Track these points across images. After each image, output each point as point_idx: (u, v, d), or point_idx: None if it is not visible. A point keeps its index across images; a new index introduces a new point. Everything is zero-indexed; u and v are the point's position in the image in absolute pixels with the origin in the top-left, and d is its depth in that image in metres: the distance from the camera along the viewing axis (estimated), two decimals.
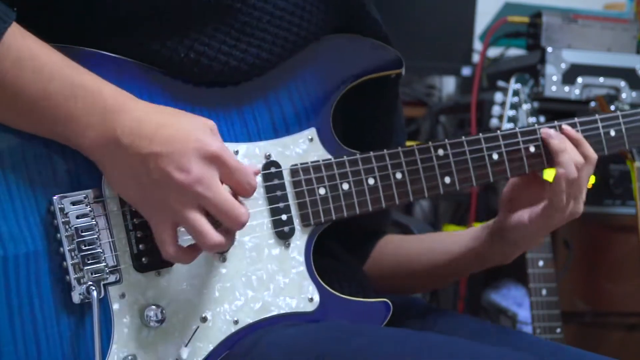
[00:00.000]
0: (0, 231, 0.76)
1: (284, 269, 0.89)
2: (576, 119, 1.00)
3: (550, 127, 0.99)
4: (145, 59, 0.84)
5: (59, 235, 0.78)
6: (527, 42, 1.96)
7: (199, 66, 0.84)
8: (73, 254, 0.78)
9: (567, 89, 1.87)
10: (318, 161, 0.90)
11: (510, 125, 1.70)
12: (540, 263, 1.68)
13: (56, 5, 0.83)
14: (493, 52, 2.11)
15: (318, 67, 0.92)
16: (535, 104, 1.73)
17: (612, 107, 1.73)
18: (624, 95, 1.90)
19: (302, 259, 0.90)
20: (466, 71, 2.08)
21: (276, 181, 0.88)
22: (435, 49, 2.06)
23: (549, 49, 1.86)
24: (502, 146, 0.97)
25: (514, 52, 2.11)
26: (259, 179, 0.87)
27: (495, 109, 1.73)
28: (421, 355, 0.76)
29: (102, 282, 0.79)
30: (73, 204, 0.78)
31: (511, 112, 1.71)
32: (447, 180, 0.95)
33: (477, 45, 2.11)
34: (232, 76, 0.86)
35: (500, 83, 1.75)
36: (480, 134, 0.97)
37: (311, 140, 0.91)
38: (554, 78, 1.86)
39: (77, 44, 0.81)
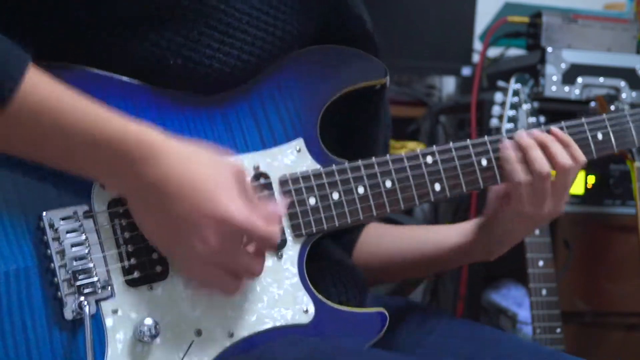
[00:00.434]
0: None
1: (277, 280, 0.89)
2: (563, 123, 1.00)
3: (540, 130, 0.99)
4: (135, 66, 0.84)
5: (49, 251, 0.78)
6: (527, 42, 1.95)
7: (185, 71, 0.85)
8: (64, 270, 0.78)
9: (567, 89, 1.87)
10: (307, 171, 0.90)
11: (511, 125, 1.70)
12: (540, 263, 1.68)
13: (47, 15, 0.83)
14: (493, 52, 2.10)
15: (303, 78, 0.92)
16: (535, 104, 1.73)
17: (612, 107, 1.72)
18: (624, 95, 1.89)
19: (295, 269, 0.90)
20: (466, 71, 2.07)
21: (266, 192, 0.89)
22: (435, 49, 2.05)
23: (549, 49, 1.85)
24: (491, 151, 0.97)
25: (514, 52, 2.10)
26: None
27: (495, 109, 1.73)
28: None
29: (94, 298, 0.79)
30: (63, 219, 0.79)
31: (511, 112, 1.71)
32: (437, 187, 0.95)
33: (477, 45, 2.10)
34: (216, 79, 0.87)
35: (500, 83, 1.74)
36: (469, 140, 0.97)
37: (299, 150, 0.91)
38: (554, 78, 1.86)
39: (64, 54, 0.81)
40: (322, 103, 0.93)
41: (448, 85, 2.32)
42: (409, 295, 2.00)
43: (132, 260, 0.81)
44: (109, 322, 0.80)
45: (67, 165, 0.78)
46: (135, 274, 0.82)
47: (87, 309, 0.78)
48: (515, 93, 1.72)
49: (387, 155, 0.93)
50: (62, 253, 0.78)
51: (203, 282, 0.81)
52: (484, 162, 0.97)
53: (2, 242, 0.76)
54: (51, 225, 0.78)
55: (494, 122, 1.74)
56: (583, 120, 1.03)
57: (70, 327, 0.79)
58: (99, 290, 0.80)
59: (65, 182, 0.80)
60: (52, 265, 0.78)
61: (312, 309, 0.90)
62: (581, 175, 1.05)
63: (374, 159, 0.92)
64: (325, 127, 0.95)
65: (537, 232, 1.68)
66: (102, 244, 0.81)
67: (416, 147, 1.86)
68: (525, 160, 0.96)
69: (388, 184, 0.93)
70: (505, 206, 1.00)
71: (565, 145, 0.98)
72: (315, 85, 0.93)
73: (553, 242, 1.72)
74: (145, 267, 0.82)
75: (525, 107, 1.72)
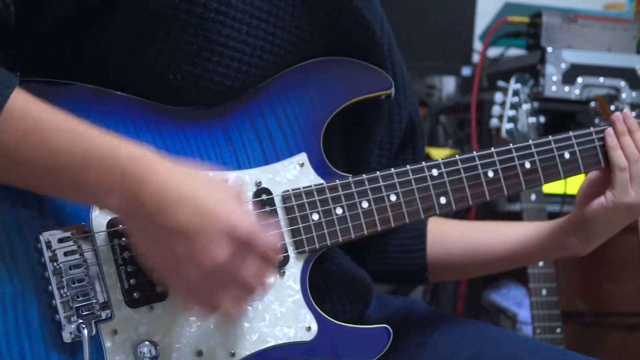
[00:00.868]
0: None
1: (279, 298, 0.87)
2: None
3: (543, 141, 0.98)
4: (134, 82, 0.82)
5: (46, 273, 0.77)
6: (527, 42, 1.95)
7: (185, 85, 0.83)
8: (62, 291, 0.77)
9: (567, 89, 1.86)
10: (310, 186, 0.89)
11: (511, 125, 1.69)
12: (540, 263, 1.68)
13: (43, 35, 0.81)
14: (493, 52, 2.09)
15: (306, 91, 0.91)
16: (535, 104, 1.72)
17: (612, 107, 1.72)
18: (624, 95, 1.89)
19: (298, 287, 0.88)
20: (466, 71, 2.06)
21: (268, 208, 0.87)
22: (435, 49, 2.05)
23: (549, 49, 1.85)
24: (497, 163, 0.96)
25: (514, 52, 2.09)
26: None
27: (495, 109, 1.73)
28: None
29: (93, 320, 0.78)
30: (60, 240, 0.77)
31: (511, 112, 1.70)
32: (443, 200, 0.94)
33: (477, 45, 2.10)
34: (217, 92, 0.85)
35: (500, 83, 1.74)
36: (475, 152, 0.96)
37: (302, 165, 0.90)
38: (554, 78, 1.85)
39: (62, 70, 0.79)
40: (325, 116, 0.92)
41: (448, 85, 2.32)
42: (409, 294, 2.00)
43: (132, 281, 0.80)
44: (108, 343, 0.79)
45: (56, 189, 0.75)
46: (135, 295, 0.80)
47: (85, 332, 0.76)
48: (515, 93, 1.71)
49: (392, 169, 0.92)
50: (59, 275, 0.77)
51: (206, 305, 0.78)
52: (491, 174, 0.95)
53: None
54: (48, 247, 0.77)
55: (494, 122, 1.73)
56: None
57: (68, 350, 0.77)
58: (98, 312, 0.78)
59: (63, 202, 0.78)
60: (50, 287, 0.77)
61: (314, 327, 0.88)
62: (581, 176, 1.03)
63: (378, 173, 0.91)
64: (329, 140, 0.93)
65: None
66: (101, 264, 0.79)
67: None
68: (622, 145, 0.98)
69: (393, 197, 0.91)
70: (605, 199, 0.98)
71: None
72: (318, 98, 0.91)
73: None
74: (145, 287, 0.80)
75: (525, 107, 1.71)
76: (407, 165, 0.93)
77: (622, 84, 1.89)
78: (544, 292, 1.68)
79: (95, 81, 0.80)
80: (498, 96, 1.73)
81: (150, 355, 0.80)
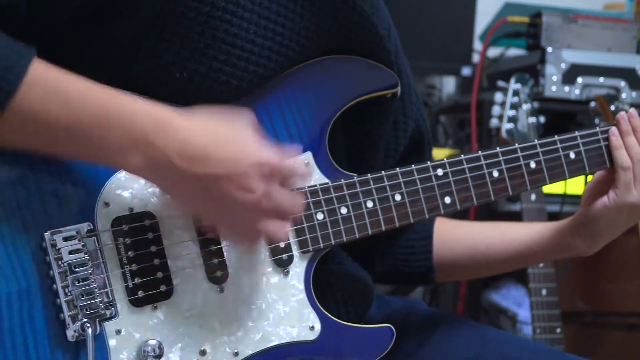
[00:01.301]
0: None
1: (283, 298, 0.87)
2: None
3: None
4: (141, 80, 0.82)
5: (51, 272, 0.76)
6: (527, 42, 1.95)
7: (191, 84, 0.83)
8: (66, 290, 0.76)
9: (567, 89, 1.86)
10: (315, 186, 0.88)
11: (511, 125, 1.69)
12: (541, 263, 1.68)
13: (49, 33, 0.81)
14: (493, 52, 2.09)
15: (311, 90, 0.90)
16: (535, 104, 1.72)
17: (612, 107, 1.72)
18: (624, 95, 1.89)
19: (301, 286, 0.88)
20: (466, 71, 2.07)
21: None
22: (435, 49, 2.05)
23: (549, 49, 1.85)
24: (502, 163, 0.96)
25: (514, 52, 2.09)
26: None
27: (495, 109, 1.73)
28: None
29: (97, 318, 0.78)
30: (65, 239, 0.77)
31: (511, 112, 1.70)
32: (448, 200, 0.94)
33: (477, 45, 2.10)
34: (223, 92, 0.85)
35: (500, 83, 1.73)
36: (480, 152, 0.95)
37: (307, 164, 0.90)
38: (554, 78, 1.85)
39: (70, 69, 0.78)
40: (331, 114, 0.91)
41: (448, 85, 2.32)
42: (409, 295, 2.00)
43: (137, 280, 0.80)
44: (112, 342, 0.79)
45: (80, 150, 0.76)
46: (140, 294, 0.80)
47: (89, 330, 0.76)
48: (515, 93, 1.71)
49: (397, 169, 0.91)
50: (64, 274, 0.76)
51: (252, 237, 0.80)
52: (496, 174, 0.95)
53: (4, 262, 0.75)
54: (53, 246, 0.76)
55: (494, 122, 1.73)
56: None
57: (73, 349, 0.77)
58: (102, 311, 0.78)
59: (68, 201, 0.78)
60: (55, 286, 0.76)
61: (318, 326, 0.88)
62: (582, 176, 1.03)
63: (383, 173, 0.91)
64: (332, 143, 0.93)
65: None
66: (106, 263, 0.79)
67: None
68: (626, 145, 0.98)
69: (397, 197, 0.91)
70: (608, 199, 0.98)
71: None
72: (324, 96, 0.91)
73: None
74: (150, 286, 0.80)
75: (525, 107, 1.71)
76: (412, 165, 0.92)
77: (622, 84, 1.89)
78: (544, 292, 1.68)
79: (100, 79, 0.80)
80: (498, 96, 1.73)
81: (154, 354, 0.79)
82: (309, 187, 0.88)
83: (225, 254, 0.84)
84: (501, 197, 0.97)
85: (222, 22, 0.83)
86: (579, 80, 1.87)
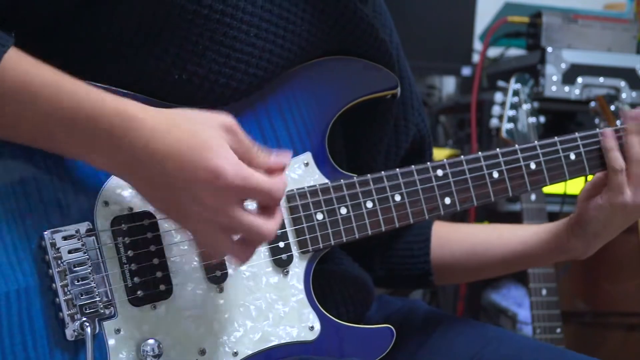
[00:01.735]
0: None
1: (283, 298, 0.87)
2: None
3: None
4: (140, 81, 0.82)
5: (50, 271, 0.76)
6: (527, 42, 1.95)
7: (191, 86, 0.83)
8: (66, 289, 0.76)
9: (567, 89, 1.87)
10: (315, 186, 0.88)
11: (511, 125, 1.69)
12: (539, 266, 1.68)
13: (49, 31, 0.81)
14: (493, 52, 2.10)
15: (311, 91, 0.90)
16: (535, 104, 1.72)
17: (612, 107, 1.72)
18: (624, 95, 1.89)
19: (301, 286, 0.88)
20: (466, 71, 2.07)
21: None
22: (435, 49, 2.05)
23: (549, 49, 1.85)
24: (502, 164, 0.96)
25: (514, 52, 2.10)
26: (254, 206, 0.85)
27: (495, 109, 1.73)
28: None
29: (96, 318, 0.78)
30: (64, 238, 0.77)
31: (511, 112, 1.70)
32: (448, 200, 0.94)
33: (477, 45, 2.10)
34: (222, 94, 0.84)
35: (500, 83, 1.74)
36: (480, 153, 0.95)
37: (307, 164, 0.90)
38: (554, 78, 1.86)
39: (70, 69, 0.79)
40: (331, 115, 0.91)
41: (448, 85, 2.32)
42: (409, 295, 2.00)
43: (136, 279, 0.80)
44: (111, 341, 0.78)
45: (47, 144, 0.75)
46: (139, 293, 0.80)
47: (88, 330, 0.76)
48: (515, 93, 1.71)
49: (397, 169, 0.91)
50: (63, 273, 0.76)
51: (211, 249, 0.78)
52: (496, 175, 0.95)
53: (3, 261, 0.75)
54: (53, 245, 0.76)
55: (494, 122, 1.73)
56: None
57: (72, 348, 0.77)
58: (102, 310, 0.78)
59: (67, 200, 0.78)
60: (54, 285, 0.76)
61: (318, 326, 0.88)
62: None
63: (382, 173, 0.91)
64: (334, 140, 0.93)
65: None
66: (105, 262, 0.79)
67: None
68: (621, 147, 0.97)
69: (397, 197, 0.91)
70: (601, 199, 0.98)
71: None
72: (324, 97, 0.91)
73: None
74: (149, 285, 0.80)
75: (525, 107, 1.71)
76: (412, 166, 0.92)
77: (622, 84, 1.89)
78: (544, 292, 1.67)
79: (99, 79, 0.80)
80: (498, 96, 1.73)
81: (153, 353, 0.79)
82: (308, 187, 0.88)
83: None
84: (501, 197, 0.97)
85: (221, 25, 0.82)
86: (579, 80, 1.87)
